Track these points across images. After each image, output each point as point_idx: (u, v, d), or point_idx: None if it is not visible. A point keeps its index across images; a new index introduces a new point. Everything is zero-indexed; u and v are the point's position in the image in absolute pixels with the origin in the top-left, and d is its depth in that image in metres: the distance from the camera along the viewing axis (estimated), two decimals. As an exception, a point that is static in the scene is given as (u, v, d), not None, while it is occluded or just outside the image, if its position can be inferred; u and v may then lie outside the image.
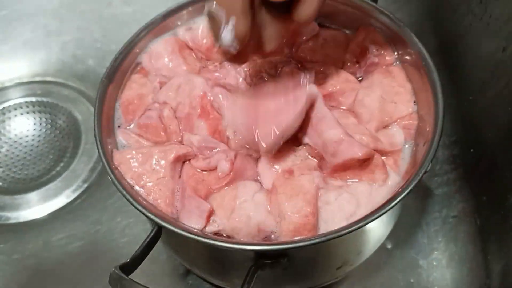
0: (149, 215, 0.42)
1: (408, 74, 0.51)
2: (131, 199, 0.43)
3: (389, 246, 0.58)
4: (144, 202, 0.44)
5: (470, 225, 0.58)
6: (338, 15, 0.56)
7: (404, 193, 0.41)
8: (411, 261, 0.57)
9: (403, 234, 0.59)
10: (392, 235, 0.56)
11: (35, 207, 0.67)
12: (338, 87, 0.51)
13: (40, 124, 0.75)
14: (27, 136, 0.74)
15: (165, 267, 0.59)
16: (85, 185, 0.68)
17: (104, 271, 0.56)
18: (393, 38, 0.52)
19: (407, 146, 0.48)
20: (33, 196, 0.68)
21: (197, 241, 0.40)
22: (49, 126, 0.74)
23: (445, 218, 0.59)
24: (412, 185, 0.41)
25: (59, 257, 0.61)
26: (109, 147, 0.48)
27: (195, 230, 0.42)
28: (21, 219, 0.66)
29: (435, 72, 0.46)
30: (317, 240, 0.39)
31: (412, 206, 0.61)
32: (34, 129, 0.74)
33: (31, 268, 0.61)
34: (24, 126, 0.74)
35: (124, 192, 0.43)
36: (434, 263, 0.57)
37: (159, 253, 0.59)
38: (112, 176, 0.45)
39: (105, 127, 0.48)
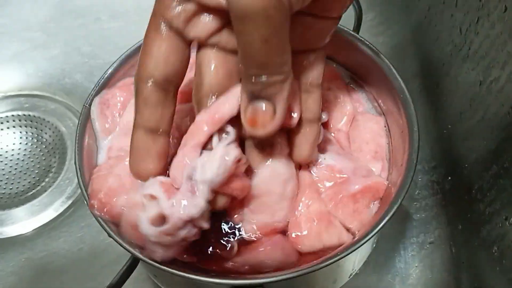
0: (125, 245, 0.43)
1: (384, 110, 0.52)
2: (107, 228, 0.44)
3: (366, 271, 0.59)
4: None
5: (445, 252, 0.59)
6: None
7: (378, 228, 0.42)
8: (387, 285, 0.58)
9: (381, 258, 0.60)
10: (370, 259, 0.57)
11: (19, 223, 0.67)
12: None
13: (26, 138, 0.75)
14: (12, 150, 0.74)
15: (145, 288, 0.59)
16: (70, 202, 0.69)
17: (85, 291, 0.57)
18: (371, 68, 0.53)
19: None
20: (17, 211, 0.68)
21: (172, 273, 0.41)
22: (35, 140, 0.75)
23: (422, 243, 0.60)
24: (385, 221, 0.42)
25: (41, 276, 0.62)
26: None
27: (170, 264, 0.43)
28: (4, 235, 0.66)
29: (412, 106, 0.47)
30: (293, 275, 0.41)
31: (391, 230, 0.62)
32: (20, 143, 0.74)
33: (13, 285, 0.61)
34: (10, 140, 0.75)
35: (102, 223, 0.44)
36: (410, 288, 0.58)
37: (139, 274, 0.59)
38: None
39: (85, 154, 0.49)
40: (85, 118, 0.50)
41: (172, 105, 0.39)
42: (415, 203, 0.63)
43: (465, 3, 0.56)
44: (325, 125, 0.52)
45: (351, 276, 0.53)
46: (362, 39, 0.53)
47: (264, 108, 0.35)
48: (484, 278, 0.51)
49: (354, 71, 0.57)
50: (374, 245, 0.57)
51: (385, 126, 0.52)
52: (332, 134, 0.51)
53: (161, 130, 0.38)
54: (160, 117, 0.38)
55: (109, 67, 0.53)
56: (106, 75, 0.53)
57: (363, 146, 0.51)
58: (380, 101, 0.54)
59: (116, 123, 0.50)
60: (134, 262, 0.45)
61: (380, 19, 0.76)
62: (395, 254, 0.60)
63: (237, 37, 0.33)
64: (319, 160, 0.48)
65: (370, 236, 0.41)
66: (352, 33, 0.54)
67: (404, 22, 0.73)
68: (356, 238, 0.43)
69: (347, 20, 0.57)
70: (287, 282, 0.47)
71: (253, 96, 0.35)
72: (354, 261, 0.53)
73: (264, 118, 0.36)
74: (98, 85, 0.53)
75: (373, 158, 0.50)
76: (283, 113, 0.36)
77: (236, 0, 0.30)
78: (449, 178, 0.61)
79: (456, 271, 0.57)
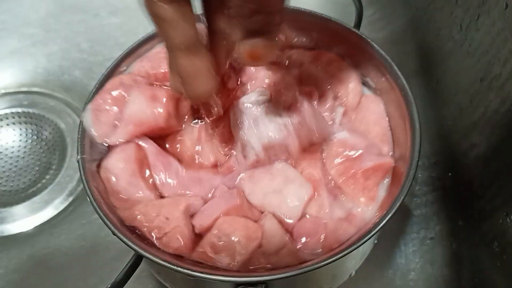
0: (129, 243, 0.43)
1: (386, 105, 0.52)
2: (111, 227, 0.44)
3: (367, 267, 0.59)
4: (123, 229, 0.45)
5: (446, 247, 0.60)
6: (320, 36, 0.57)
7: (379, 226, 0.42)
8: (388, 281, 0.59)
9: (382, 254, 0.60)
10: (371, 256, 0.57)
11: (20, 220, 0.67)
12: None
13: (26, 135, 0.75)
14: (12, 147, 0.74)
15: (147, 286, 0.59)
16: (71, 199, 0.69)
17: (88, 288, 0.57)
18: (372, 64, 0.53)
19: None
20: (18, 209, 0.68)
21: (177, 271, 0.41)
22: (35, 137, 0.74)
23: (422, 239, 0.61)
24: (389, 216, 0.42)
25: (43, 273, 0.62)
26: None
27: (175, 261, 0.43)
28: (6, 233, 0.66)
29: (414, 104, 0.47)
30: (294, 273, 0.41)
31: (392, 226, 0.62)
32: (20, 140, 0.74)
33: (15, 283, 0.61)
34: (10, 137, 0.74)
35: (106, 220, 0.44)
36: (411, 284, 0.58)
37: (142, 271, 0.59)
38: (93, 202, 0.45)
39: (88, 152, 0.49)
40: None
41: (191, 14, 0.36)
42: (415, 199, 0.63)
43: (465, 0, 0.56)
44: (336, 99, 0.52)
45: (351, 275, 0.53)
46: (363, 36, 0.53)
47: (264, 43, 0.36)
48: (485, 273, 0.52)
49: (354, 67, 0.57)
50: (376, 241, 0.57)
51: (384, 106, 0.53)
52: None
53: (196, 42, 0.36)
54: (186, 30, 0.36)
55: (110, 65, 0.53)
56: (106, 72, 0.53)
57: (370, 128, 0.51)
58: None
59: (112, 124, 0.50)
60: (137, 260, 0.45)
61: (380, 15, 0.76)
62: (396, 250, 0.60)
63: None
64: (331, 136, 0.48)
65: (388, 217, 0.42)
66: (353, 30, 0.54)
67: (404, 18, 0.73)
68: (376, 220, 0.43)
69: (347, 16, 0.57)
70: (289, 280, 0.47)
71: (251, 33, 0.36)
72: (356, 257, 0.53)
73: (266, 51, 0.37)
74: (99, 83, 0.53)
75: (381, 141, 0.50)
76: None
77: None
78: (450, 174, 0.61)
79: (457, 267, 0.58)
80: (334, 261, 0.41)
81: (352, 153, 0.47)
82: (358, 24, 0.58)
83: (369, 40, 0.53)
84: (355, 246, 0.41)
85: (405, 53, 0.70)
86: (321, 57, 0.56)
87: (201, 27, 0.39)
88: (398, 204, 0.42)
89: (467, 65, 0.55)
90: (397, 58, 0.51)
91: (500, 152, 0.50)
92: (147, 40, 0.56)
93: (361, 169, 0.46)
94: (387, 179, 0.48)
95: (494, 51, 0.50)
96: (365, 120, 0.51)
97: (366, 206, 0.46)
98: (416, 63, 0.69)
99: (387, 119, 0.52)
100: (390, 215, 0.42)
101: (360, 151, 0.47)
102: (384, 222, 0.42)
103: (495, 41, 0.50)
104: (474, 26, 0.54)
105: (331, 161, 0.47)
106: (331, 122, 0.51)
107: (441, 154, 0.64)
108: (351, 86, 0.53)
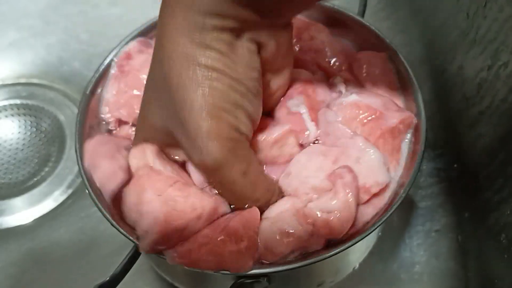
0: (128, 235, 0.42)
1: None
2: (110, 218, 0.43)
3: (371, 260, 0.58)
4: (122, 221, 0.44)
5: (451, 240, 0.58)
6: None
7: (386, 217, 0.41)
8: (392, 274, 0.58)
9: (386, 246, 0.59)
10: (375, 249, 0.56)
11: (19, 213, 0.66)
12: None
13: (25, 127, 0.74)
14: (11, 139, 0.73)
15: (147, 279, 0.59)
16: (70, 191, 0.68)
17: (87, 282, 0.56)
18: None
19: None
20: (17, 201, 0.67)
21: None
22: (34, 129, 0.74)
23: (427, 232, 0.60)
24: (394, 207, 0.41)
25: (42, 266, 0.61)
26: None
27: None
28: (5, 226, 0.65)
29: (419, 94, 0.46)
30: (297, 265, 0.40)
31: (396, 218, 0.61)
32: (19, 133, 0.73)
33: (14, 277, 0.60)
34: (8, 130, 0.74)
35: (104, 212, 0.43)
36: (416, 277, 0.57)
37: (141, 264, 0.58)
38: (92, 194, 0.45)
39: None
40: (85, 105, 0.49)
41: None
42: (420, 191, 0.62)
43: (472, -13, 0.55)
44: (328, 72, 0.50)
45: (355, 268, 0.53)
46: (368, 24, 0.52)
47: None
48: (492, 266, 0.51)
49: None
50: (380, 234, 0.56)
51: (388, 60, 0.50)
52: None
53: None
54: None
55: (109, 54, 0.52)
56: (105, 62, 0.52)
57: (378, 83, 0.48)
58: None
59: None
60: (136, 252, 0.44)
61: (385, 3, 0.75)
62: (400, 242, 0.59)
63: (219, 187, 0.40)
64: (340, 100, 0.45)
65: (393, 209, 0.40)
66: (357, 18, 0.53)
67: (409, 6, 0.72)
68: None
69: (352, 4, 0.56)
70: (292, 272, 0.46)
71: None
72: (359, 250, 0.52)
73: None
74: (98, 72, 0.52)
75: (391, 94, 0.47)
76: None
77: (202, 159, 0.36)
78: (455, 165, 0.60)
79: (463, 260, 0.57)
80: (336, 253, 0.40)
81: (371, 113, 0.43)
82: (362, 13, 0.57)
83: (374, 28, 0.51)
84: (358, 239, 0.40)
85: (411, 42, 0.69)
86: (310, 28, 0.53)
87: None
88: (404, 195, 0.41)
89: (474, 53, 0.54)
90: (403, 47, 0.50)
91: (507, 142, 0.49)
92: (146, 30, 0.55)
93: (388, 128, 0.43)
94: (408, 135, 0.45)
95: (502, 38, 0.49)
96: (370, 77, 0.48)
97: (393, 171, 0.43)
98: (422, 52, 0.67)
99: (393, 73, 0.49)
100: (395, 206, 0.41)
101: (380, 110, 0.43)
102: (388, 214, 0.41)
103: (503, 27, 0.48)
104: (481, 13, 0.52)
105: (351, 123, 0.43)
106: (338, 95, 0.47)
107: (447, 145, 0.63)
108: (335, 51, 0.50)
